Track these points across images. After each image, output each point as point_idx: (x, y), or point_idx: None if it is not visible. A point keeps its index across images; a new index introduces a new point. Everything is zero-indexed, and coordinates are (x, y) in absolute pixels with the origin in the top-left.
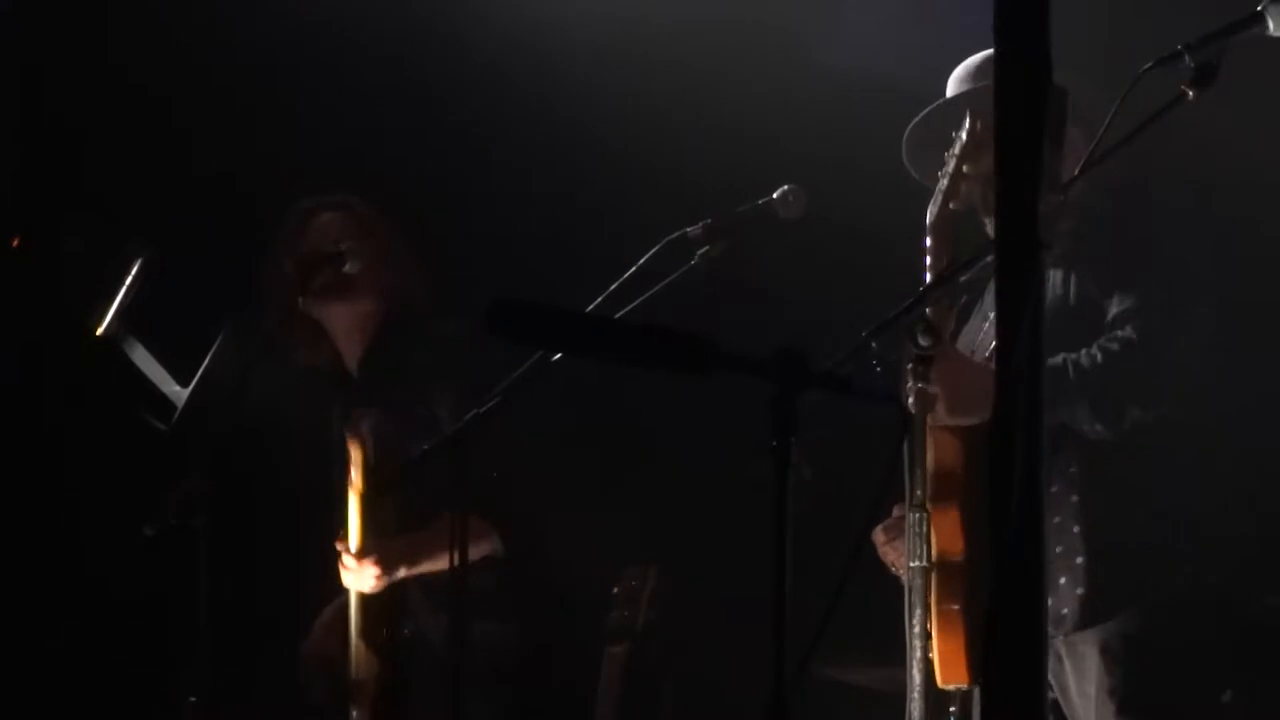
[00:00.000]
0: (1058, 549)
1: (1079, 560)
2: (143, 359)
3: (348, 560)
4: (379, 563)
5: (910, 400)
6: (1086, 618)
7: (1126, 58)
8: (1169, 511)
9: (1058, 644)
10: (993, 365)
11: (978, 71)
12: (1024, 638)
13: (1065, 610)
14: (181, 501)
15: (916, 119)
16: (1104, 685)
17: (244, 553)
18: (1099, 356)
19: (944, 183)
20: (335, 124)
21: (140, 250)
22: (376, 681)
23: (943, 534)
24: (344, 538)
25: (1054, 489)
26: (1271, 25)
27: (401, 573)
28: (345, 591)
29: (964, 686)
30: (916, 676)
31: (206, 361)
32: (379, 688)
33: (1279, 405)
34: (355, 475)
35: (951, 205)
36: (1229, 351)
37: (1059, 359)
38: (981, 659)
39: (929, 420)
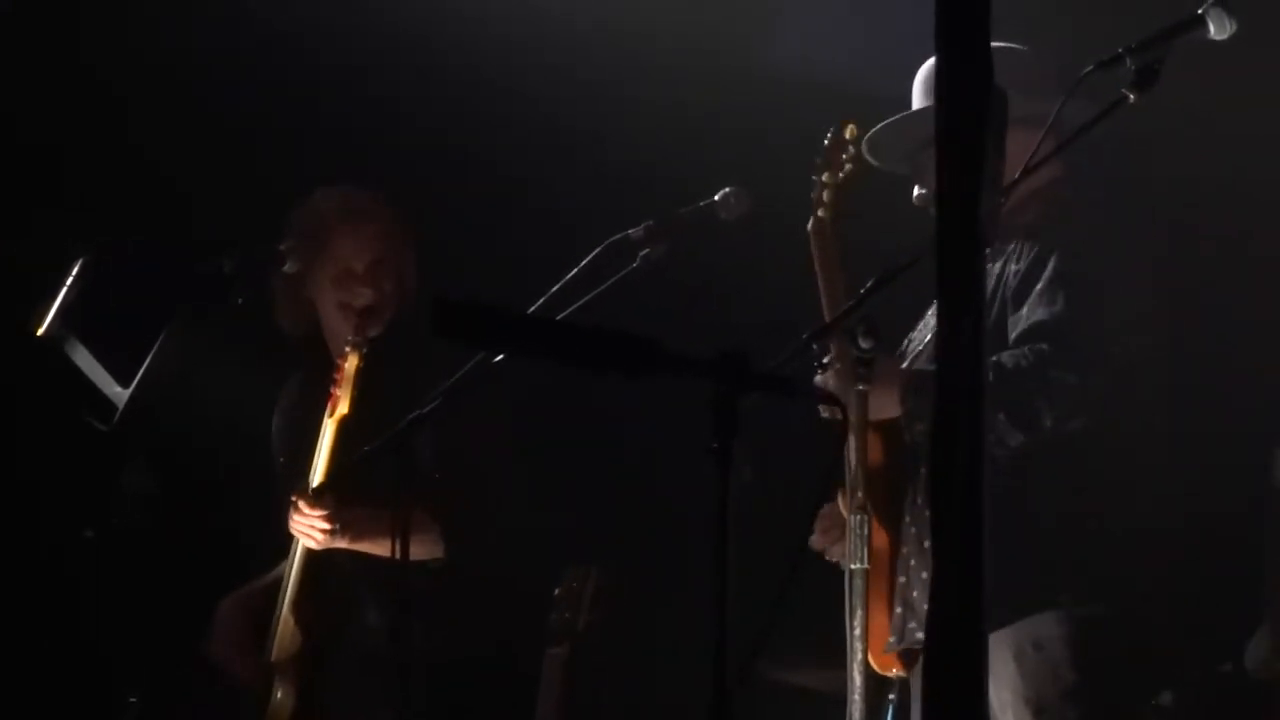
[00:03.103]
0: None
1: None
2: (84, 360)
3: (303, 505)
4: (331, 518)
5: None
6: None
7: (1069, 60)
8: (1076, 518)
9: None
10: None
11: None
12: (964, 625)
13: None
14: (123, 502)
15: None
16: (1019, 691)
17: (185, 552)
18: (1021, 361)
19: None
20: (279, 124)
21: (82, 250)
22: (296, 661)
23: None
24: (301, 488)
25: None
26: (1212, 29)
27: (346, 540)
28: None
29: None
30: (857, 678)
31: (148, 362)
32: (299, 667)
33: (1213, 417)
34: (342, 398)
35: (820, 213)
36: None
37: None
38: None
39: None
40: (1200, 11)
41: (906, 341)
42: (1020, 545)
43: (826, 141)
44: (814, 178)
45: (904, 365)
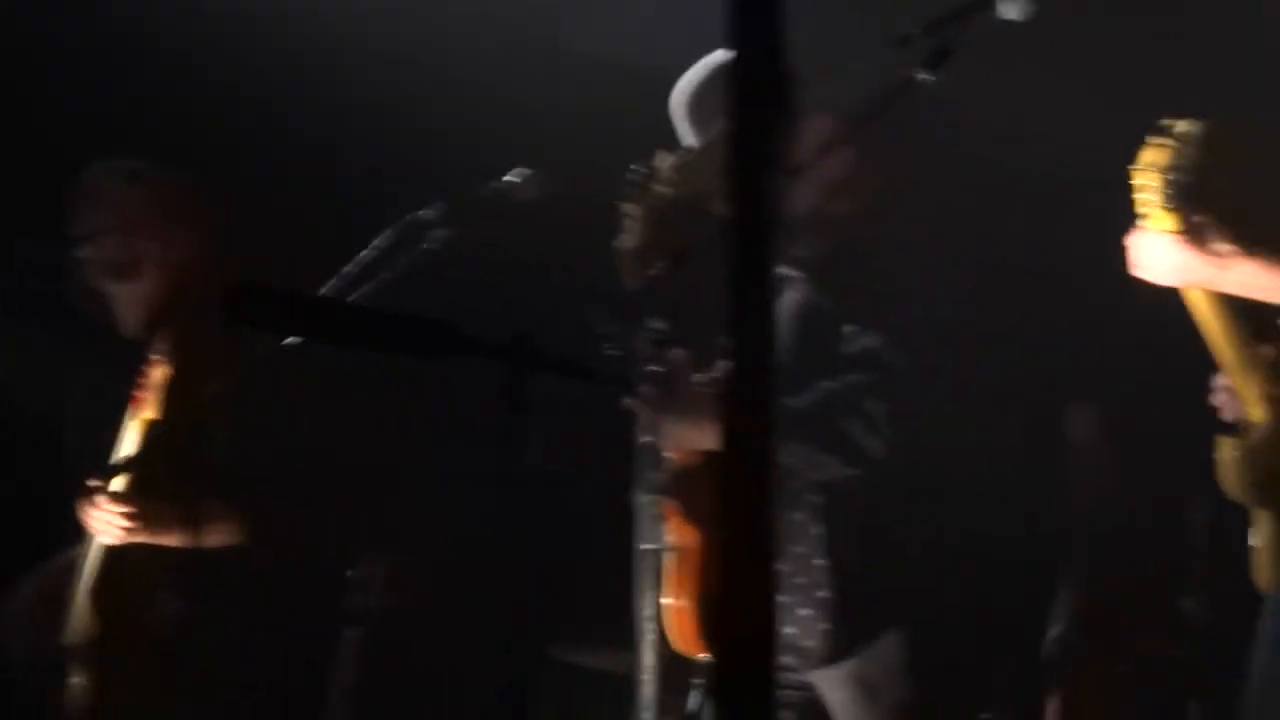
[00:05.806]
0: (799, 579)
1: (821, 594)
2: None
3: (100, 501)
4: (132, 515)
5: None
6: (832, 653)
7: (859, 43)
8: (911, 545)
9: (811, 676)
10: None
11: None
12: (754, 626)
13: (810, 643)
14: None
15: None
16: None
17: None
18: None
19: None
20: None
21: None
22: (91, 647)
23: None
24: (100, 476)
25: (796, 516)
26: (999, 9)
27: (144, 535)
28: (72, 551)
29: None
30: (647, 658)
31: None
32: (94, 653)
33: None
34: (149, 402)
35: (630, 241)
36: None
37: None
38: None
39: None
40: None
41: None
42: (856, 576)
43: (637, 175)
44: (623, 206)
45: None
